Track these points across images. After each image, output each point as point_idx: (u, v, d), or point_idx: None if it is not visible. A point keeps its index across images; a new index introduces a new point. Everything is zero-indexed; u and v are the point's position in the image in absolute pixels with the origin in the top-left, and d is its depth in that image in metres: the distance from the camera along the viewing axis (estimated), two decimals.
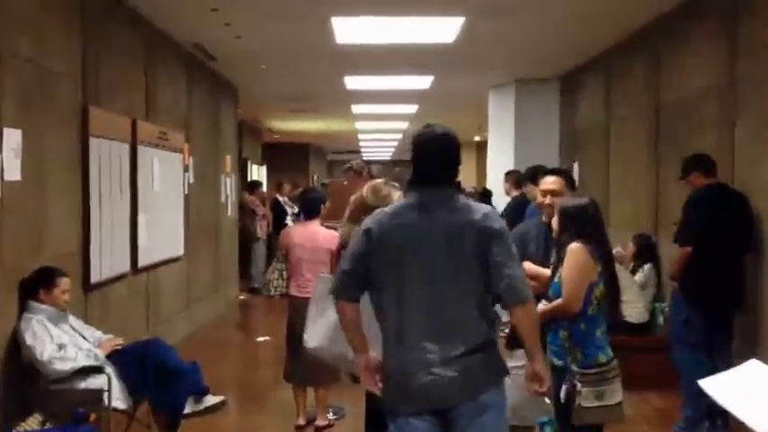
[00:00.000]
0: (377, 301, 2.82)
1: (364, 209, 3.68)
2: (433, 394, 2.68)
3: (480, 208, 2.80)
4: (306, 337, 3.28)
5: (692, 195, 5.09)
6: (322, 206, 5.35)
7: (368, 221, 2.85)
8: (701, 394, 5.06)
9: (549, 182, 3.86)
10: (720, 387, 1.69)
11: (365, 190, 3.78)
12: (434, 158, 2.82)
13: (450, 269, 2.70)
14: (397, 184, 3.94)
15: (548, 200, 3.80)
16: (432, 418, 2.72)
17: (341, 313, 2.88)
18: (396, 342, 2.75)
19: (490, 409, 2.71)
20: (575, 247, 3.35)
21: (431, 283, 2.71)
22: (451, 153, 2.83)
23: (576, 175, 9.05)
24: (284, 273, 5.31)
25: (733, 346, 4.93)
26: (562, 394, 3.29)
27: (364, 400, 3.79)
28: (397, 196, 3.69)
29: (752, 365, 1.76)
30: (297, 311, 4.97)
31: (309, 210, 5.40)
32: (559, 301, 3.33)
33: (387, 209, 2.89)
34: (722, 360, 4.70)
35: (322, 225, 5.32)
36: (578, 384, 3.27)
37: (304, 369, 5.02)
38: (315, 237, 5.16)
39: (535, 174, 5.75)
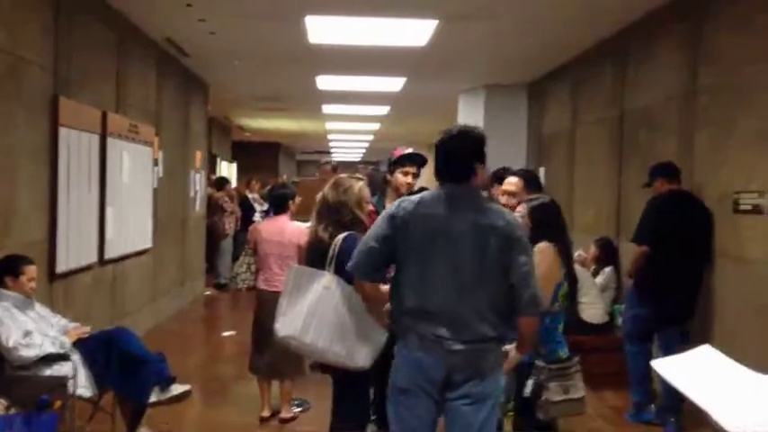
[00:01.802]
0: (395, 282, 2.92)
1: (326, 205, 3.74)
2: (440, 364, 2.80)
3: (504, 213, 2.92)
4: (277, 326, 3.33)
5: (654, 198, 5.26)
6: (290, 202, 5.41)
7: (391, 208, 2.95)
8: (646, 379, 5.26)
9: (510, 182, 3.98)
10: (671, 368, 1.78)
11: (326, 187, 3.84)
12: (452, 156, 2.93)
13: (472, 266, 2.81)
14: (360, 176, 3.99)
15: (504, 199, 3.90)
16: (432, 406, 2.84)
17: (360, 291, 3.04)
18: (411, 323, 2.86)
19: (486, 397, 2.84)
20: (543, 246, 3.45)
21: (451, 277, 2.81)
22: (466, 152, 2.92)
23: (542, 180, 9.22)
24: (252, 266, 5.36)
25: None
26: (528, 389, 3.36)
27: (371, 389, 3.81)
28: (358, 187, 3.75)
29: (704, 350, 1.85)
30: (264, 305, 5.03)
31: (278, 205, 5.46)
32: None
33: (413, 198, 2.98)
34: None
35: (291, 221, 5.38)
36: (546, 379, 3.35)
37: (269, 362, 5.08)
38: (283, 232, 5.22)
39: (501, 176, 5.86)
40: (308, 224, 4.53)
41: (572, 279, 3.64)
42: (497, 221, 2.83)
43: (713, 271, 5.15)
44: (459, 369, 2.81)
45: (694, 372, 1.72)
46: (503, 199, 3.95)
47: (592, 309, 6.11)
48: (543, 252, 3.45)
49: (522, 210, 3.63)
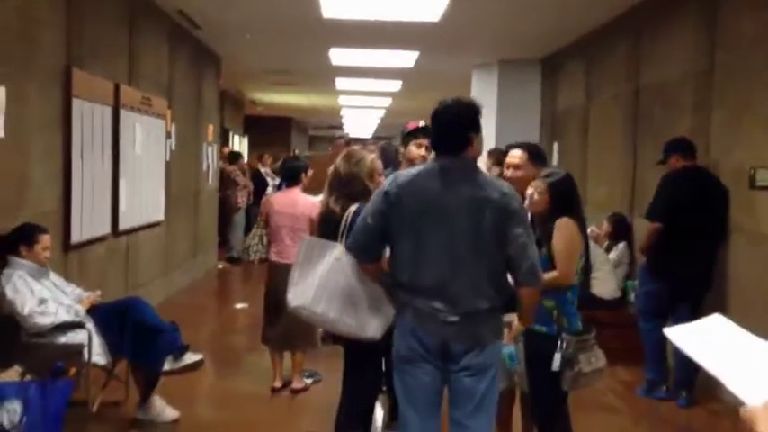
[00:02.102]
0: (392, 258, 2.94)
1: (338, 178, 3.74)
2: (434, 334, 2.84)
3: (500, 186, 2.91)
4: (289, 296, 3.35)
5: (669, 174, 5.22)
6: (303, 175, 5.41)
7: (386, 184, 2.95)
8: (662, 359, 5.25)
9: (514, 155, 3.92)
10: (683, 336, 1.78)
11: (338, 159, 3.83)
12: (444, 128, 2.93)
13: (466, 240, 2.81)
14: (372, 148, 3.99)
15: (509, 173, 3.86)
16: (436, 373, 2.88)
17: (364, 271, 3.07)
18: (407, 298, 2.89)
19: (486, 368, 2.88)
20: (566, 221, 3.42)
21: (446, 250, 2.82)
22: (460, 123, 2.90)
23: (555, 156, 9.19)
24: (264, 238, 5.38)
25: None
26: (557, 363, 3.35)
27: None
28: (370, 159, 3.75)
29: (715, 318, 1.85)
30: (276, 277, 5.06)
31: (290, 177, 5.46)
32: (555, 273, 3.38)
33: (407, 172, 2.99)
34: None
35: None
36: (575, 351, 3.35)
37: (281, 333, 5.12)
38: (295, 204, 5.23)
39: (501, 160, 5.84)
40: (320, 197, 4.55)
41: (586, 254, 3.63)
42: (492, 194, 2.82)
43: (728, 248, 5.13)
44: (455, 340, 2.84)
45: (706, 340, 1.72)
46: (507, 172, 3.88)
47: (604, 284, 6.10)
48: (566, 227, 3.42)
49: (537, 185, 3.57)
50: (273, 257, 5.26)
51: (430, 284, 2.84)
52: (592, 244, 6.22)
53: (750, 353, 1.65)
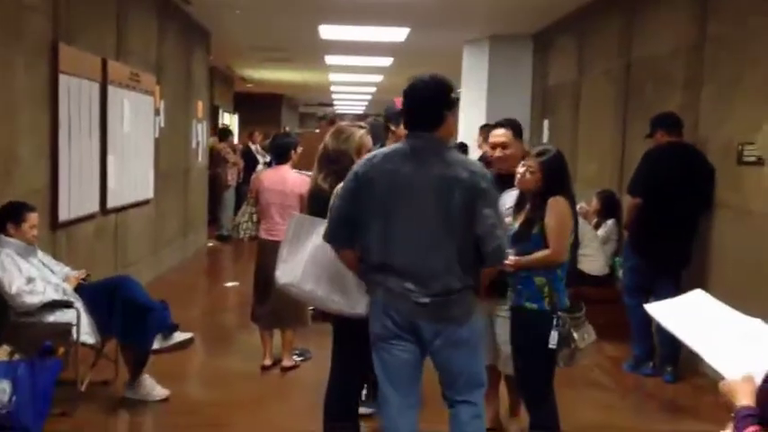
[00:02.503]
0: (362, 240, 2.93)
1: (326, 154, 3.72)
2: (408, 314, 2.87)
3: (471, 164, 2.91)
4: (278, 273, 3.35)
5: (651, 150, 5.23)
6: (292, 151, 5.37)
7: (357, 165, 2.95)
8: (648, 335, 5.30)
9: (499, 134, 3.87)
10: (664, 312, 1.81)
11: (327, 136, 3.81)
12: (418, 105, 2.91)
13: (436, 220, 2.82)
14: (362, 124, 3.95)
15: (497, 152, 3.83)
16: (412, 348, 2.90)
17: (341, 258, 3.05)
18: (379, 278, 2.90)
19: (467, 342, 2.91)
20: (558, 200, 3.41)
21: (416, 231, 2.83)
22: (435, 99, 2.89)
23: (545, 132, 9.17)
24: (254, 216, 5.36)
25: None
26: (554, 340, 3.35)
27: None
28: (359, 135, 3.72)
29: (696, 294, 1.88)
30: (266, 254, 5.04)
31: (280, 154, 5.43)
32: (547, 252, 3.38)
33: (378, 152, 2.99)
34: None
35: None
36: (569, 328, 3.38)
37: (271, 311, 5.12)
38: (284, 181, 5.20)
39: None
40: (311, 174, 4.52)
41: (576, 231, 3.63)
42: (461, 173, 2.82)
43: (713, 223, 5.15)
44: (427, 320, 2.86)
45: (687, 315, 1.74)
46: (496, 152, 3.83)
47: (593, 261, 6.12)
48: (558, 205, 3.41)
49: (529, 163, 3.53)
50: (263, 235, 5.24)
51: (401, 264, 2.85)
52: (581, 220, 6.22)
53: (730, 328, 1.67)
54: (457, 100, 2.97)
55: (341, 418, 3.48)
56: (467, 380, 2.95)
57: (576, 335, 3.39)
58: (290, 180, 5.19)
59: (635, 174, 5.24)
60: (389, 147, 3.06)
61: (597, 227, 6.55)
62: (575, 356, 3.42)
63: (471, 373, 2.96)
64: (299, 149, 5.46)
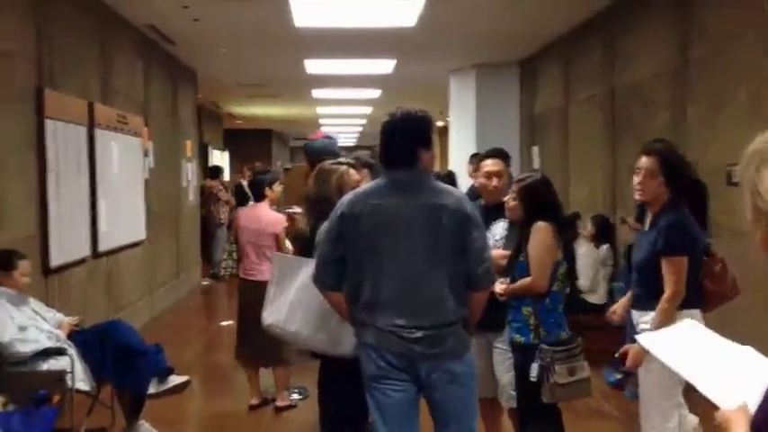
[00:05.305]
0: (350, 279, 2.88)
1: (308, 200, 3.66)
2: (401, 351, 2.81)
3: (452, 191, 2.91)
4: (264, 313, 3.33)
5: None
6: (267, 189, 5.23)
7: (340, 204, 2.92)
8: None
9: (492, 164, 3.85)
10: (656, 342, 1.80)
11: (310, 178, 3.74)
12: (394, 140, 2.89)
13: (426, 251, 2.80)
14: (345, 160, 3.85)
15: (494, 182, 3.80)
16: (407, 386, 2.84)
17: (329, 300, 3.00)
18: (368, 319, 2.85)
19: (461, 378, 2.85)
20: (541, 225, 3.38)
21: (405, 264, 2.80)
22: (408, 137, 2.86)
23: (536, 159, 9.19)
24: (234, 254, 5.34)
25: None
26: (534, 372, 3.31)
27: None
28: (338, 174, 3.58)
29: (687, 323, 1.88)
30: (243, 294, 5.08)
31: (255, 193, 5.41)
32: (528, 280, 3.36)
33: (360, 190, 2.96)
34: None
35: (273, 208, 5.28)
36: (551, 362, 3.31)
37: (252, 349, 5.03)
38: (259, 220, 5.15)
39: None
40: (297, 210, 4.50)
41: (571, 257, 3.59)
42: (447, 200, 2.81)
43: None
44: (420, 355, 2.80)
45: (679, 345, 1.74)
46: (493, 182, 3.79)
47: (596, 290, 6.16)
48: (540, 231, 3.39)
49: (512, 190, 3.54)
50: (241, 273, 5.23)
51: (390, 299, 2.80)
52: (587, 246, 6.24)
53: (722, 356, 1.66)
54: (431, 136, 2.92)
55: None
56: (459, 419, 2.89)
57: (557, 368, 3.29)
58: (265, 218, 5.13)
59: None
60: (371, 183, 3.03)
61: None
62: (555, 392, 3.31)
63: (464, 410, 2.90)
64: (277, 187, 5.31)
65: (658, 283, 3.18)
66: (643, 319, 3.28)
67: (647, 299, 3.28)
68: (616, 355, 3.31)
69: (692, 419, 3.32)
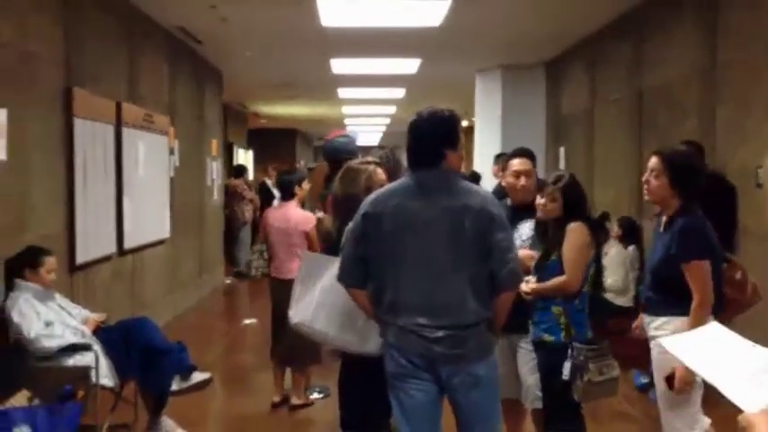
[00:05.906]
0: (373, 279, 2.88)
1: (335, 201, 3.60)
2: (422, 351, 2.79)
3: (478, 191, 2.87)
4: (291, 312, 3.33)
5: None
6: (296, 188, 5.27)
7: (364, 204, 2.91)
8: None
9: (522, 163, 3.81)
10: (680, 345, 1.78)
11: (336, 180, 3.68)
12: (420, 140, 2.87)
13: (448, 252, 2.78)
14: (372, 159, 3.79)
15: (522, 181, 3.77)
16: (429, 387, 2.82)
17: (353, 298, 2.99)
18: (391, 319, 2.84)
19: (484, 381, 2.83)
20: (576, 226, 3.36)
21: (425, 266, 2.79)
22: (434, 137, 2.84)
23: (561, 160, 9.13)
24: (265, 253, 5.35)
25: None
26: (567, 371, 3.29)
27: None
28: (366, 175, 3.52)
29: (711, 327, 1.85)
30: (274, 292, 5.08)
31: (284, 191, 5.42)
32: (561, 279, 3.34)
33: (384, 190, 2.95)
34: None
35: (300, 206, 5.31)
36: (585, 360, 3.28)
37: (285, 348, 5.05)
38: (288, 219, 5.17)
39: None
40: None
41: (597, 259, 3.56)
42: (470, 201, 2.78)
43: (737, 249, 5.05)
44: (442, 356, 2.78)
45: (703, 348, 1.71)
46: (521, 181, 3.76)
47: (623, 292, 6.11)
48: (576, 231, 3.35)
49: (549, 191, 3.48)
50: (272, 272, 5.24)
51: (411, 299, 2.79)
52: (617, 247, 6.19)
53: (746, 359, 1.63)
54: (459, 136, 2.89)
55: None
56: (484, 422, 2.87)
57: (591, 367, 3.27)
58: (294, 218, 5.14)
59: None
60: (396, 182, 3.00)
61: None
62: (589, 391, 3.28)
63: (489, 413, 2.88)
64: (305, 185, 5.36)
65: (670, 289, 3.12)
66: (653, 324, 3.23)
67: (657, 303, 3.23)
68: (664, 377, 3.21)
69: (705, 421, 3.27)
